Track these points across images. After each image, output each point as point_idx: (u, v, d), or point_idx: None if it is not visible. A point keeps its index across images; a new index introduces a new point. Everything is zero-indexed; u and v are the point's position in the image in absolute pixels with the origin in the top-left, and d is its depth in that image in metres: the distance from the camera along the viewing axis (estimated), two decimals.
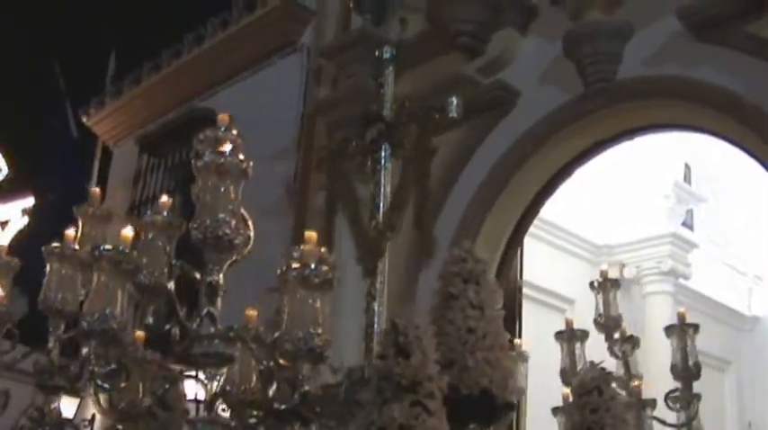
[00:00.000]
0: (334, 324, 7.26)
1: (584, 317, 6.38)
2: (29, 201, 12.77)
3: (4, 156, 13.30)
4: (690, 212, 10.97)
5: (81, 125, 12.40)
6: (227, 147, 3.97)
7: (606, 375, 4.40)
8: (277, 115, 9.52)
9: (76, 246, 4.50)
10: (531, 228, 8.17)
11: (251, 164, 4.03)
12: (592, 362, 5.48)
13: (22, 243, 4.66)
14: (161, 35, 11.72)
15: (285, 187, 9.04)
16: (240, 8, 10.41)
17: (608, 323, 6.22)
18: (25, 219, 12.84)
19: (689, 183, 10.85)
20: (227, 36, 10.52)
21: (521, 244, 7.94)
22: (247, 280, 4.28)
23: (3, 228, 12.94)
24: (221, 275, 3.93)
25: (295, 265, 3.70)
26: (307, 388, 3.68)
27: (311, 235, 3.78)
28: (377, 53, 5.53)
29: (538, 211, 7.97)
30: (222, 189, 3.92)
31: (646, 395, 6.13)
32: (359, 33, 8.33)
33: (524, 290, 8.27)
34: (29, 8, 14.25)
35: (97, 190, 4.82)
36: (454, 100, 5.07)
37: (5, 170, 13.27)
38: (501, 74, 7.78)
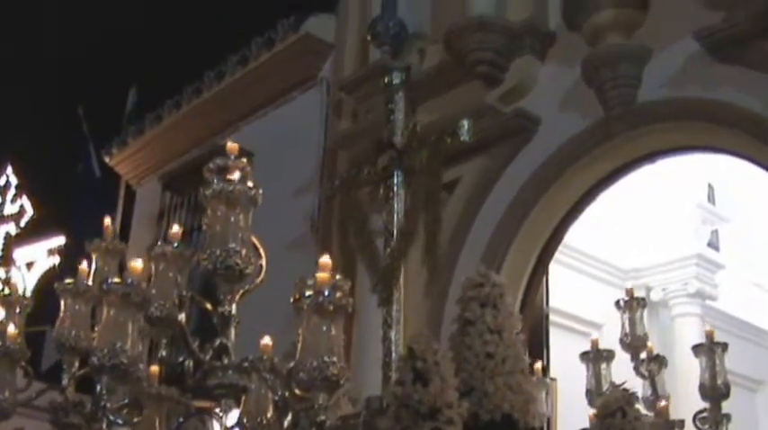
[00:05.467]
0: (353, 354, 7.31)
1: (612, 341, 6.35)
2: (55, 242, 12.86)
3: (29, 198, 13.42)
4: (715, 233, 10.90)
5: (104, 165, 12.46)
6: (235, 175, 3.95)
7: (629, 396, 4.37)
8: (299, 150, 9.55)
9: (89, 282, 4.49)
10: (557, 255, 8.14)
11: (260, 191, 3.99)
12: (614, 383, 5.45)
13: (52, 282, 4.63)
14: (181, 73, 11.79)
15: (309, 221, 9.05)
16: (259, 44, 10.47)
17: (634, 342, 6.18)
18: (51, 260, 12.94)
19: (713, 203, 10.79)
20: (247, 72, 10.58)
21: (546, 270, 7.92)
22: (272, 314, 4.26)
23: (29, 269, 13.04)
24: (234, 305, 3.91)
25: (308, 293, 3.61)
26: (323, 418, 3.57)
27: (325, 262, 3.71)
28: (386, 79, 5.52)
29: (562, 237, 7.94)
30: (232, 218, 3.89)
31: (675, 415, 6.09)
32: (377, 66, 8.35)
33: (551, 316, 8.25)
34: (53, 53, 14.40)
35: (109, 224, 4.79)
36: (465, 123, 5.07)
37: (30, 212, 13.38)
38: (521, 101, 7.79)
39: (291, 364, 3.69)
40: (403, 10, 8.56)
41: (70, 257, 10.09)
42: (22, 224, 13.36)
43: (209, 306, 3.96)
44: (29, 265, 13.12)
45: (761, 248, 11.53)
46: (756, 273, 11.57)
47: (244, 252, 3.85)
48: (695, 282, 10.52)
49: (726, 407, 5.99)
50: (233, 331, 3.90)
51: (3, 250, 13.11)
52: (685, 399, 6.71)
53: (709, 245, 10.82)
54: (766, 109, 6.43)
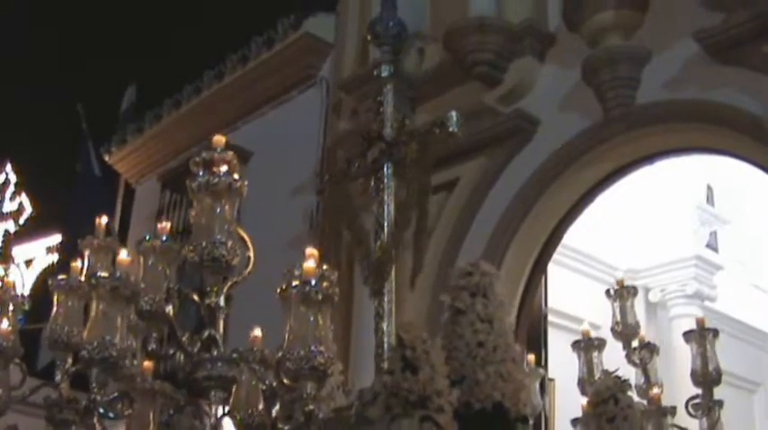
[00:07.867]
0: (351, 346, 7.30)
1: (610, 341, 6.34)
2: (53, 240, 12.87)
3: (28, 196, 13.43)
4: (714, 234, 10.90)
5: (103, 163, 12.45)
6: (221, 168, 3.96)
7: (622, 384, 4.37)
8: (298, 149, 9.55)
9: (82, 278, 4.50)
10: (555, 255, 8.14)
11: (245, 183, 4.00)
12: (606, 371, 5.46)
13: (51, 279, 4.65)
14: (181, 72, 11.79)
15: (307, 220, 9.05)
16: (259, 43, 10.46)
17: (625, 331, 6.19)
18: (50, 257, 12.95)
19: (712, 204, 10.80)
20: (247, 71, 10.57)
21: (545, 271, 7.92)
22: (271, 310, 4.26)
23: (28, 266, 13.05)
24: (222, 297, 3.92)
25: (295, 283, 3.61)
26: (311, 407, 3.58)
27: (312, 252, 3.71)
28: (374, 72, 5.53)
29: (561, 238, 7.94)
30: (218, 210, 3.92)
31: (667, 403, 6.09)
32: (377, 65, 8.32)
33: (549, 317, 8.25)
34: (52, 51, 14.40)
35: (103, 222, 4.79)
36: (454, 115, 5.08)
37: (29, 209, 13.39)
38: (520, 102, 7.80)
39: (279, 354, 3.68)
40: (403, 10, 8.54)
41: (68, 255, 10.09)
42: (21, 222, 13.37)
43: (196, 297, 3.97)
44: (28, 263, 13.14)
45: (759, 250, 11.55)
46: (755, 275, 11.58)
47: (230, 243, 3.87)
48: (694, 284, 10.52)
49: (722, 406, 6.00)
50: (221, 323, 3.91)
51: (2, 247, 13.12)
52: (684, 398, 6.70)
53: (708, 246, 10.83)
54: (765, 110, 6.43)
